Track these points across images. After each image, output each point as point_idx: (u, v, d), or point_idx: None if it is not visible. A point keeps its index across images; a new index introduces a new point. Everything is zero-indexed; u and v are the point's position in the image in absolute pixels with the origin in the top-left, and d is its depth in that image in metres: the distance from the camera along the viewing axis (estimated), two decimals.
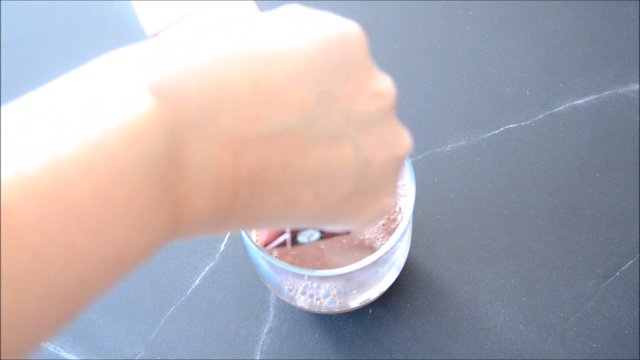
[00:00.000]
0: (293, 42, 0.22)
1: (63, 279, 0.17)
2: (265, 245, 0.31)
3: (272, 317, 0.49)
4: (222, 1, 0.25)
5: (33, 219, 0.16)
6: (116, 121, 0.18)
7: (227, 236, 0.52)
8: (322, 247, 0.43)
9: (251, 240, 0.39)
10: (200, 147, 0.20)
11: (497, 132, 0.53)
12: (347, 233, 0.31)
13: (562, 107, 0.54)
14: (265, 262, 0.40)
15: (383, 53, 0.57)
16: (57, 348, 0.49)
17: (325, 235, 0.30)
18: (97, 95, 0.19)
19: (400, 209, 0.46)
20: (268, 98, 0.21)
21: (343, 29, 0.23)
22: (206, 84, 0.20)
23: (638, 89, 0.54)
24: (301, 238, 0.30)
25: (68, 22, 0.62)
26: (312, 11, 0.24)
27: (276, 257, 0.43)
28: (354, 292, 0.43)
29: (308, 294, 0.43)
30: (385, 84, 0.25)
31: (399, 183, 0.43)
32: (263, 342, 0.48)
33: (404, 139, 0.26)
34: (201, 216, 0.21)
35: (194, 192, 0.21)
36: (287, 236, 0.30)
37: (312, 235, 0.30)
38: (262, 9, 0.25)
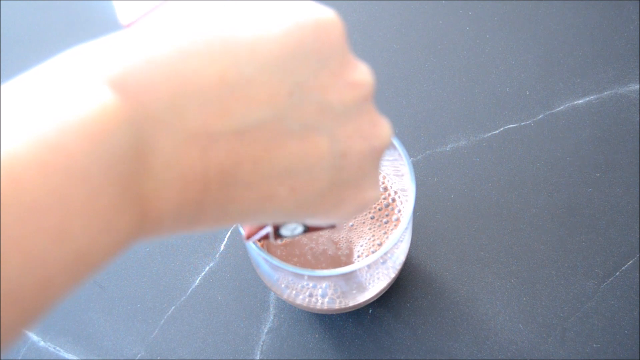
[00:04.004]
0: (265, 30, 0.21)
1: (23, 283, 0.17)
2: (248, 237, 0.31)
3: (272, 317, 0.49)
4: None
5: None
6: (74, 118, 0.17)
7: (227, 236, 0.52)
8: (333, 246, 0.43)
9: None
10: (166, 143, 0.19)
11: (497, 132, 0.53)
12: (332, 227, 0.31)
13: (562, 107, 0.54)
14: (265, 261, 0.40)
15: (383, 53, 0.57)
16: (57, 348, 0.49)
17: (309, 229, 0.30)
18: (54, 91, 0.18)
19: (400, 210, 0.46)
20: (237, 91, 0.20)
21: (319, 16, 0.22)
22: (171, 78, 0.19)
23: (638, 89, 0.54)
24: (284, 231, 0.29)
25: (68, 21, 0.62)
26: None
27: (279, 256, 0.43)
28: (354, 292, 0.43)
29: (308, 293, 0.43)
30: (361, 73, 0.24)
31: (391, 158, 0.42)
32: (263, 342, 0.48)
33: (383, 129, 0.25)
34: (169, 214, 0.21)
35: (160, 190, 0.20)
36: (269, 229, 0.30)
37: (295, 228, 0.29)
38: None
